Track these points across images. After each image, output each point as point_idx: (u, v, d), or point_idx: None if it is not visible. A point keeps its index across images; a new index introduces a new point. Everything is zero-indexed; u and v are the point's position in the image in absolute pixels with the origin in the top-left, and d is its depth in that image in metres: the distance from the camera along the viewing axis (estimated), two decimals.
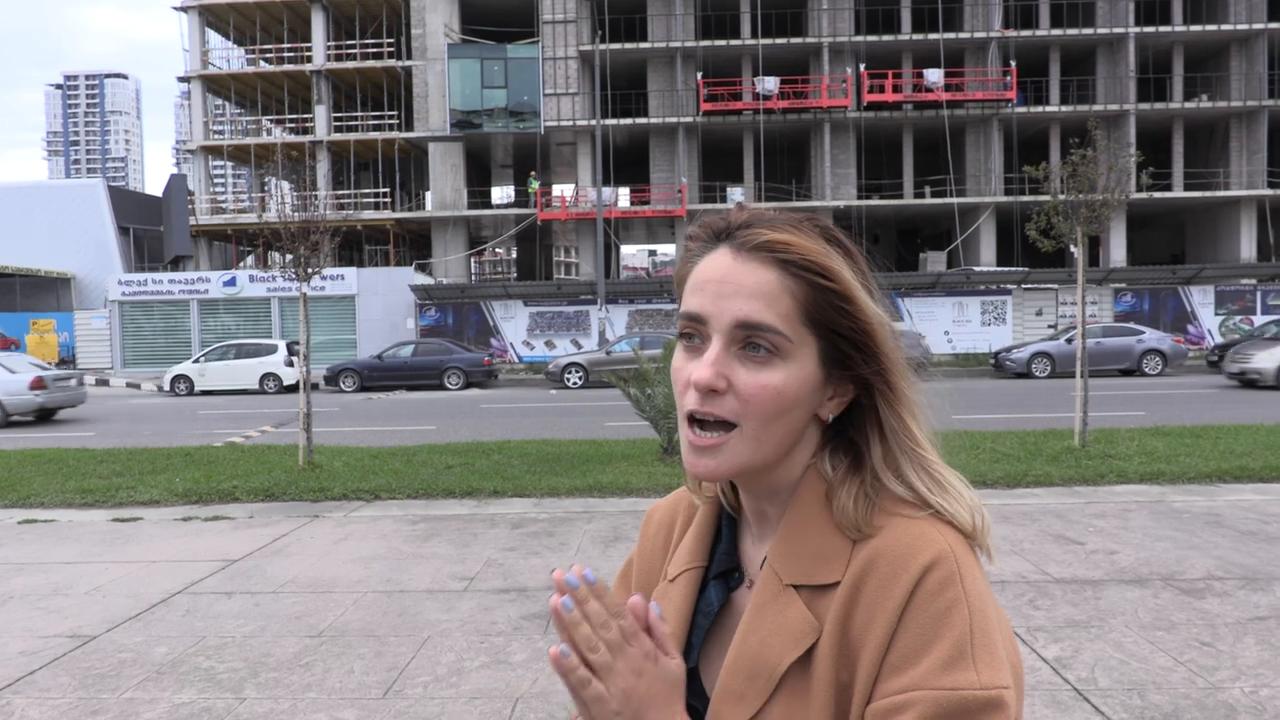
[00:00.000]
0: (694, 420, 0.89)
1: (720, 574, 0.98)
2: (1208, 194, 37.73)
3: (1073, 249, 11.82)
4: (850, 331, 0.88)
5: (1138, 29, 37.44)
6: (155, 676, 4.47)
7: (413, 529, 7.66)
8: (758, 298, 0.86)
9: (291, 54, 41.79)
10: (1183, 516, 7.40)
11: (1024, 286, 30.94)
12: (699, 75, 38.30)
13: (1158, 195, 36.07)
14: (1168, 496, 8.20)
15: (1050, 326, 30.01)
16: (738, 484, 0.97)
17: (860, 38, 38.00)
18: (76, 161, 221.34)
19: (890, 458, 0.90)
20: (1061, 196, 10.94)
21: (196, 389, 25.40)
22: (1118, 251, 37.39)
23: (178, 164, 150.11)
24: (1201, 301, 30.47)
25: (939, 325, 30.25)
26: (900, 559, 0.82)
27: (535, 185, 38.59)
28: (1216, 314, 30.38)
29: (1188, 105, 37.95)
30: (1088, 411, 10.70)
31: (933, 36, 37.61)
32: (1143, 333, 24.90)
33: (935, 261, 37.52)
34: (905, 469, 0.89)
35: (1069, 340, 23.97)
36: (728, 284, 0.87)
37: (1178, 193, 37.69)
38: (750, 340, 0.87)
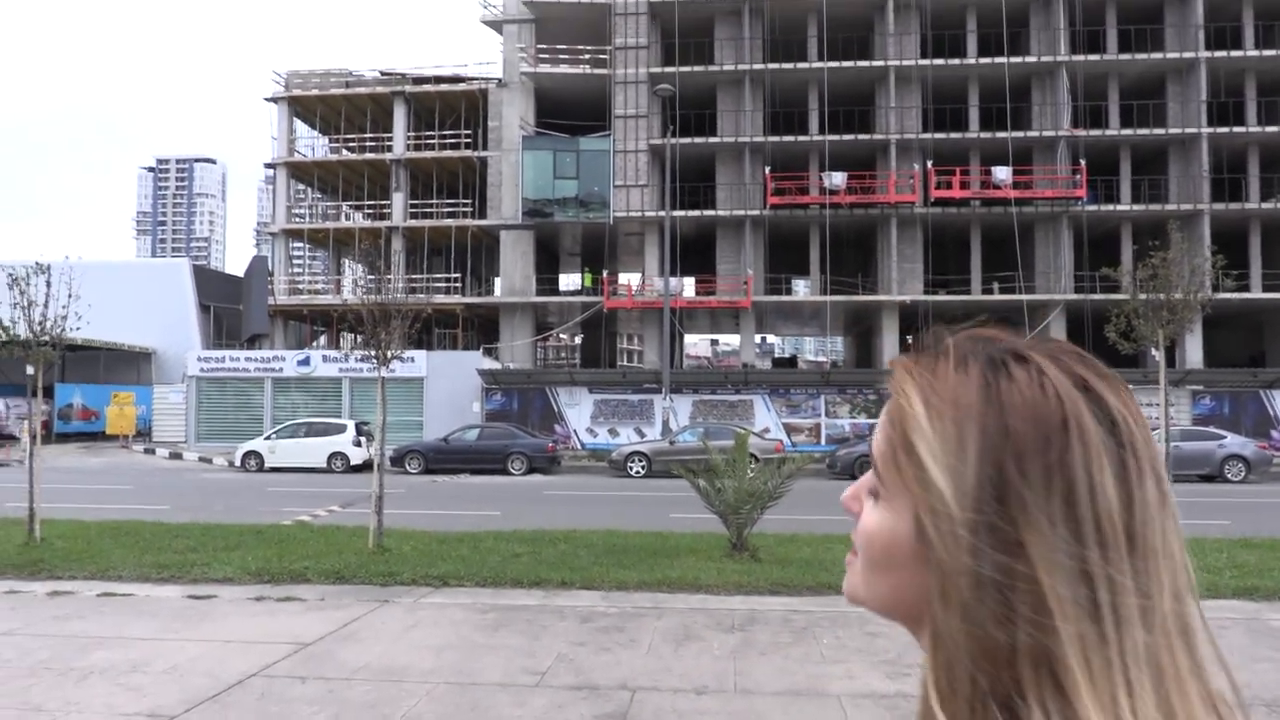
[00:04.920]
0: None
1: None
2: None
3: (1153, 351, 11.60)
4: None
5: (1210, 129, 37.19)
6: None
7: (482, 618, 7.64)
8: (879, 429, 0.75)
9: (373, 143, 43.45)
10: None
11: None
12: (767, 169, 38.88)
13: (1237, 297, 35.27)
14: (1263, 614, 7.84)
15: None
16: None
17: (928, 135, 38.33)
18: (163, 240, 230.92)
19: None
20: (1142, 296, 10.80)
21: (266, 465, 25.86)
22: (1194, 352, 36.53)
23: (258, 245, 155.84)
24: None
25: None
26: None
27: (590, 280, 39.76)
28: None
29: (1264, 206, 37.37)
30: None
31: (1000, 135, 37.78)
32: (1224, 437, 24.12)
33: None
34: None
35: None
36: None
37: (1256, 294, 36.88)
38: None
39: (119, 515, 14.04)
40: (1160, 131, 37.84)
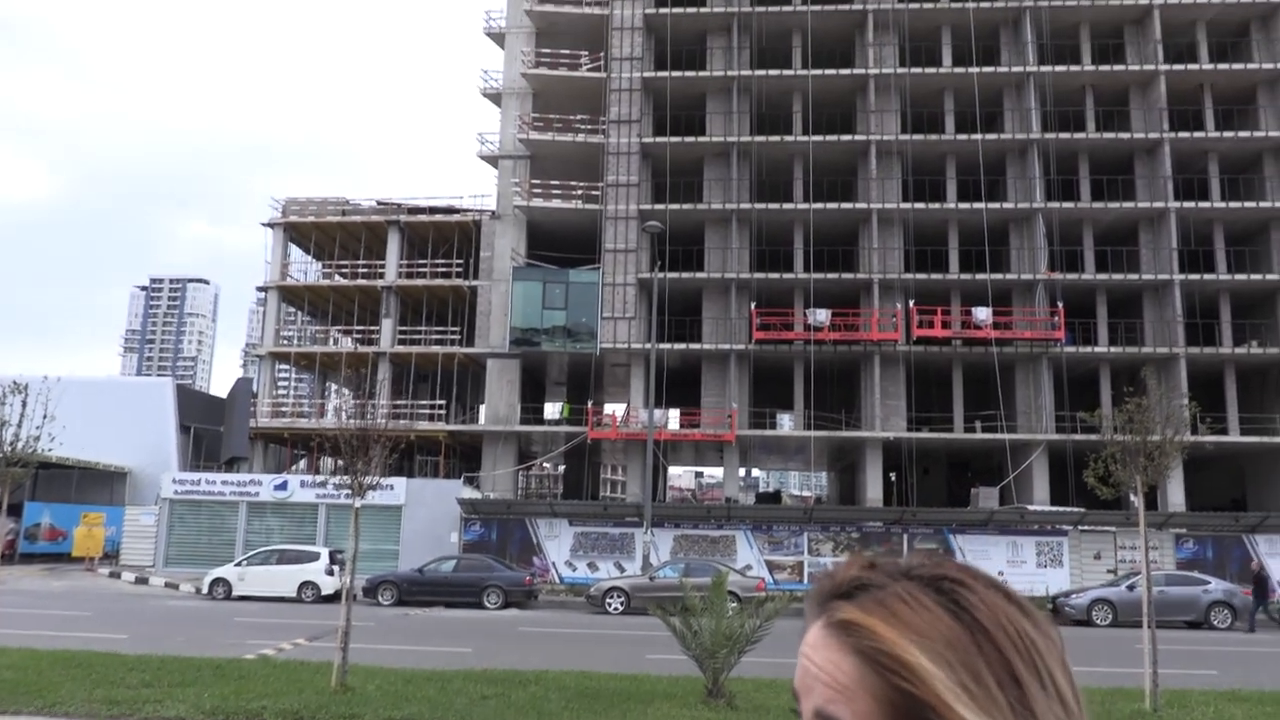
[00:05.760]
0: None
1: None
2: (1266, 439, 37.13)
3: (1133, 497, 11.58)
4: None
5: (1182, 276, 38.14)
6: None
7: None
8: (834, 688, 0.72)
9: (366, 269, 44.05)
10: None
11: (1080, 528, 30.11)
12: (752, 305, 39.51)
13: (1214, 440, 35.49)
14: None
15: (1110, 571, 28.88)
16: None
17: (909, 275, 39.18)
18: (149, 359, 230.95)
19: None
20: (1120, 438, 10.83)
21: (234, 593, 25.15)
22: (1175, 495, 36.48)
23: (244, 365, 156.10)
24: (1269, 551, 29.26)
25: (993, 565, 29.14)
26: None
27: (567, 411, 40.27)
28: None
29: (1238, 351, 38.02)
30: (1158, 669, 10.11)
31: (980, 276, 38.65)
32: (1208, 583, 23.88)
33: (988, 497, 36.85)
34: None
35: (1131, 587, 23.00)
36: (811, 665, 0.75)
37: (1234, 437, 37.15)
38: None
39: (75, 644, 13.54)
40: (1134, 277, 38.81)
